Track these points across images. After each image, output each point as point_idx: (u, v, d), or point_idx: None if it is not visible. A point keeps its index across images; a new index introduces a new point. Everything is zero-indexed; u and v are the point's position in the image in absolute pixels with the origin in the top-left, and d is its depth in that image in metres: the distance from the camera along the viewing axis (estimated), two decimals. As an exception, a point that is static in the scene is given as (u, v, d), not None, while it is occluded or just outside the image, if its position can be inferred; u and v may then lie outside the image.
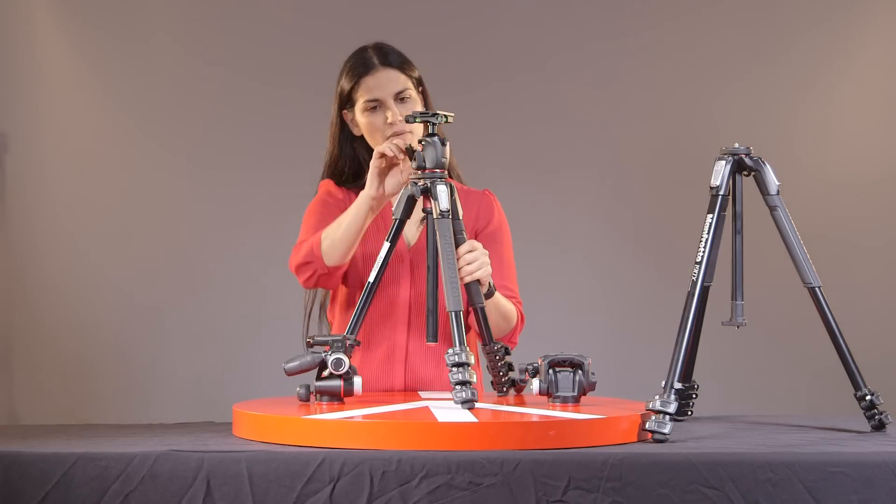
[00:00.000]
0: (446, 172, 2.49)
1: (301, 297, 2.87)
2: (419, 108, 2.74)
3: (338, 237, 2.61)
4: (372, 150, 2.72)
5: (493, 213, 2.82)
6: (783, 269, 2.58)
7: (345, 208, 2.69)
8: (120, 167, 4.38)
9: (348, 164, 2.80)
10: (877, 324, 4.31)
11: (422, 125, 2.51)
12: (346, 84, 2.76)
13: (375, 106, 2.72)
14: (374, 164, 2.58)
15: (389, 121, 2.70)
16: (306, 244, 2.66)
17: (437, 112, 2.50)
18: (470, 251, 2.53)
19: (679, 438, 2.25)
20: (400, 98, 2.73)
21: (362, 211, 2.59)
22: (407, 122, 2.56)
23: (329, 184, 2.81)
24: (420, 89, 2.78)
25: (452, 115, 2.54)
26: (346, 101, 2.77)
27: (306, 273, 2.66)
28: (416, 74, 2.77)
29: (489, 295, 2.62)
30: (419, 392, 2.69)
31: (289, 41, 4.41)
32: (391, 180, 2.58)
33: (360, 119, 2.75)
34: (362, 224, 2.60)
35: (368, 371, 2.70)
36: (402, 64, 2.75)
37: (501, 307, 2.70)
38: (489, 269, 2.58)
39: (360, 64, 2.75)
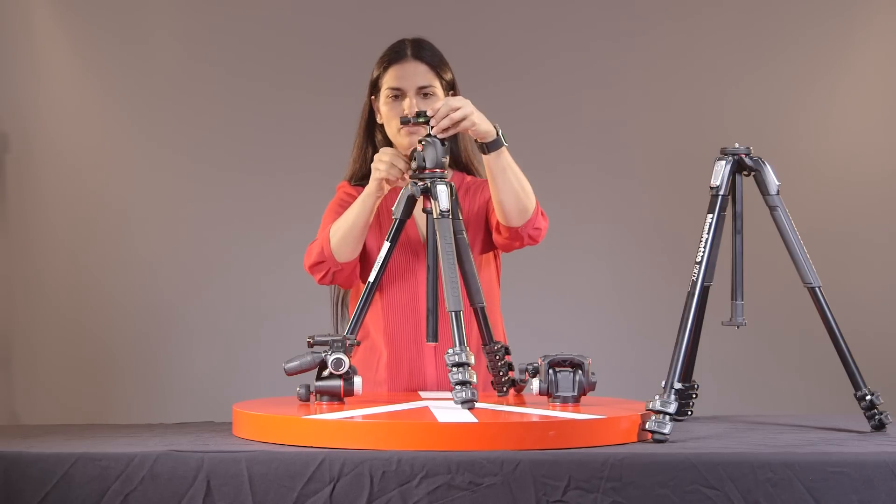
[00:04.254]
0: (446, 172, 2.49)
1: (312, 293, 2.90)
2: None
3: (345, 233, 2.64)
4: (390, 141, 2.74)
5: None
6: (783, 269, 2.58)
7: None
8: (120, 167, 4.38)
9: (370, 152, 2.80)
10: (877, 324, 4.31)
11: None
12: (376, 70, 2.78)
13: (397, 95, 2.73)
14: (376, 176, 2.59)
15: (406, 112, 2.70)
16: (317, 243, 2.70)
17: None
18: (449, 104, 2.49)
19: (679, 438, 2.25)
20: (423, 93, 2.73)
21: (367, 205, 2.62)
22: (402, 123, 2.58)
23: (345, 185, 2.83)
24: (451, 92, 2.77)
25: None
26: (374, 88, 2.79)
27: (320, 272, 2.70)
28: (448, 77, 2.77)
29: (497, 144, 2.57)
30: (419, 392, 2.69)
31: (289, 41, 4.41)
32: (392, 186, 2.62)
33: (382, 107, 2.76)
34: (367, 217, 2.63)
35: (399, 369, 2.72)
36: (434, 61, 2.75)
37: (517, 172, 2.62)
38: (475, 117, 2.51)
39: (393, 52, 2.76)
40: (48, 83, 4.36)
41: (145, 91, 4.37)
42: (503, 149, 2.58)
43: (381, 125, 2.79)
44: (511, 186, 2.61)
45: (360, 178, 2.81)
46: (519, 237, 2.69)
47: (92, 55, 4.36)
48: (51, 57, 4.36)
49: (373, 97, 2.79)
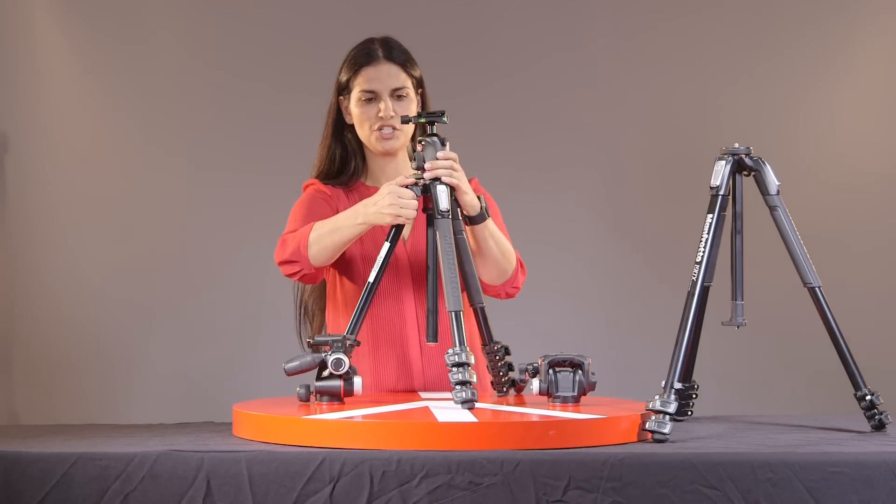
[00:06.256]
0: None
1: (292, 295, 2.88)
2: (414, 108, 2.73)
3: (328, 242, 2.58)
4: (360, 141, 2.75)
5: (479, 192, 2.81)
6: (783, 269, 2.58)
7: (333, 202, 2.71)
8: (120, 167, 4.38)
9: (339, 152, 2.80)
10: (877, 324, 4.31)
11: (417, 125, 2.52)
12: (346, 71, 2.76)
13: (371, 98, 2.72)
14: (392, 212, 2.51)
15: (381, 114, 2.70)
16: (293, 240, 2.63)
17: (444, 111, 2.51)
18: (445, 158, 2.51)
19: (679, 438, 2.26)
20: (397, 95, 2.72)
21: (362, 230, 2.56)
22: (403, 122, 2.58)
23: (316, 182, 2.80)
24: (419, 90, 2.77)
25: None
26: (344, 89, 2.77)
27: (291, 269, 2.64)
28: (417, 74, 2.77)
29: (481, 218, 2.60)
30: (419, 392, 2.69)
31: (288, 43, 4.41)
32: None
33: (354, 109, 2.74)
34: (357, 235, 2.58)
35: (385, 372, 2.71)
36: (405, 61, 2.75)
37: (499, 239, 2.66)
38: (461, 179, 2.53)
39: (364, 54, 2.75)
40: (48, 83, 4.36)
41: (145, 91, 4.37)
42: (487, 221, 2.61)
43: (351, 126, 2.78)
44: (492, 254, 2.65)
45: (328, 177, 2.79)
46: (497, 293, 2.75)
47: (92, 55, 4.36)
48: (51, 57, 4.36)
49: (341, 97, 2.78)
